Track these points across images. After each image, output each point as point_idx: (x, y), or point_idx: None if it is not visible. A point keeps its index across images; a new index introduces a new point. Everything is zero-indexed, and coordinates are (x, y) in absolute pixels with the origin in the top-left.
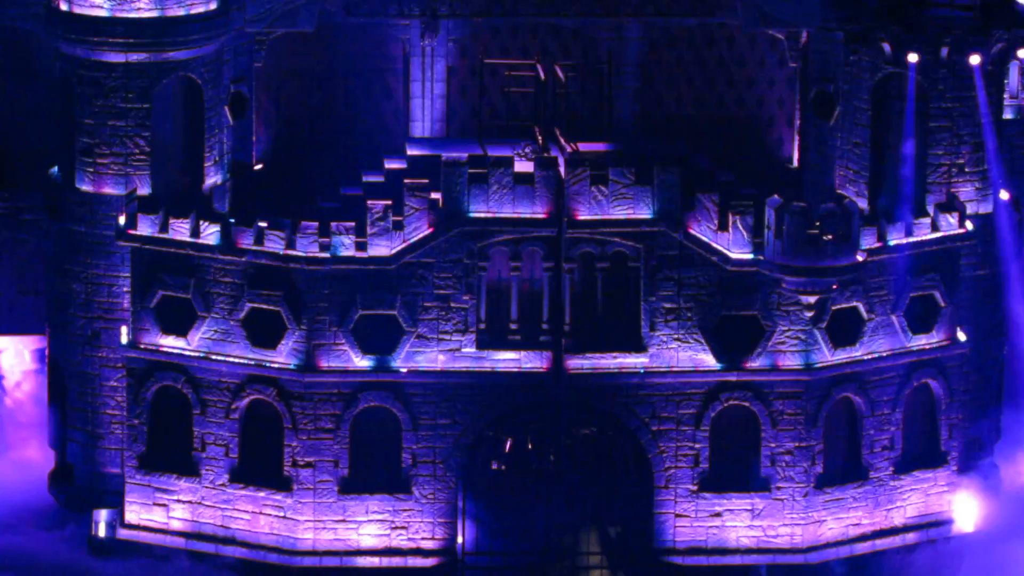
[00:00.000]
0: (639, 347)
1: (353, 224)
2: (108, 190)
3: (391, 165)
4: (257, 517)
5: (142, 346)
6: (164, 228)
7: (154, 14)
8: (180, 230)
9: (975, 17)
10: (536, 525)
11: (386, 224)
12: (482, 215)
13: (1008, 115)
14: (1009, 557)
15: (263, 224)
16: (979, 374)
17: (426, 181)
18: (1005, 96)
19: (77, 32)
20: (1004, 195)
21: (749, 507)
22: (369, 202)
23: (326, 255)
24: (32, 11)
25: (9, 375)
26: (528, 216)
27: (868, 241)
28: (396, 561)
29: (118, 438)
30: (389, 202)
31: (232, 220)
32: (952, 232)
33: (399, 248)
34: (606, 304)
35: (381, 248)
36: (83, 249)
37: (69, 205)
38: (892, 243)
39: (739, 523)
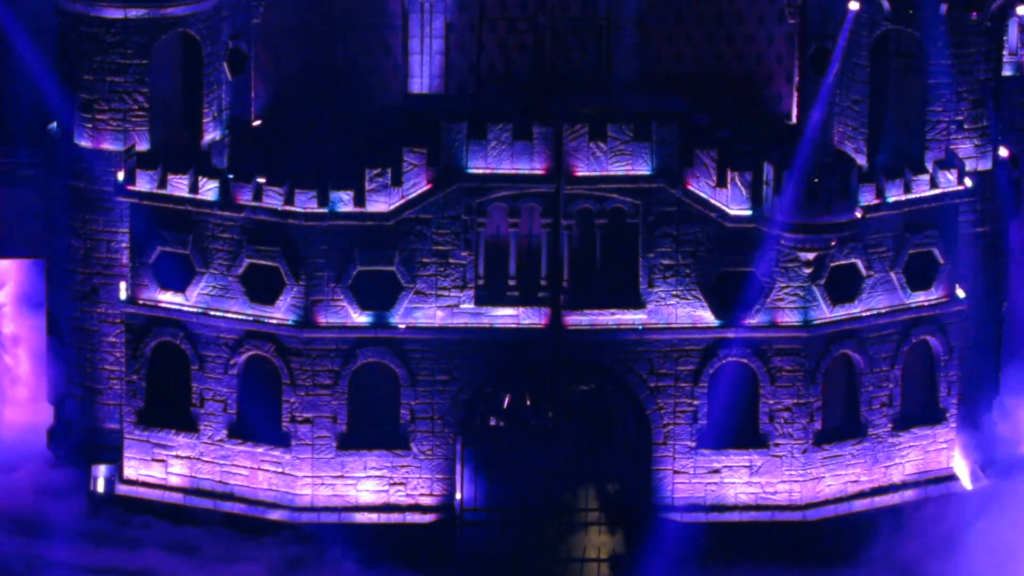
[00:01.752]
0: (637, 303)
1: (352, 193)
2: (107, 146)
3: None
4: (255, 473)
5: (141, 302)
6: (163, 184)
7: None
8: (179, 186)
9: None
10: (534, 481)
11: (384, 180)
12: (480, 171)
13: (1007, 71)
14: (1006, 513)
15: (261, 180)
16: (978, 331)
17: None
18: (1004, 53)
19: None
20: (1003, 152)
21: (748, 464)
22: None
23: (324, 211)
24: None
25: (8, 330)
26: (527, 172)
27: (867, 198)
28: (394, 517)
29: (117, 394)
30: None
31: (231, 176)
32: (951, 189)
33: (397, 204)
34: (604, 260)
35: (379, 204)
36: (82, 205)
37: (68, 161)
38: (891, 200)
39: (737, 480)
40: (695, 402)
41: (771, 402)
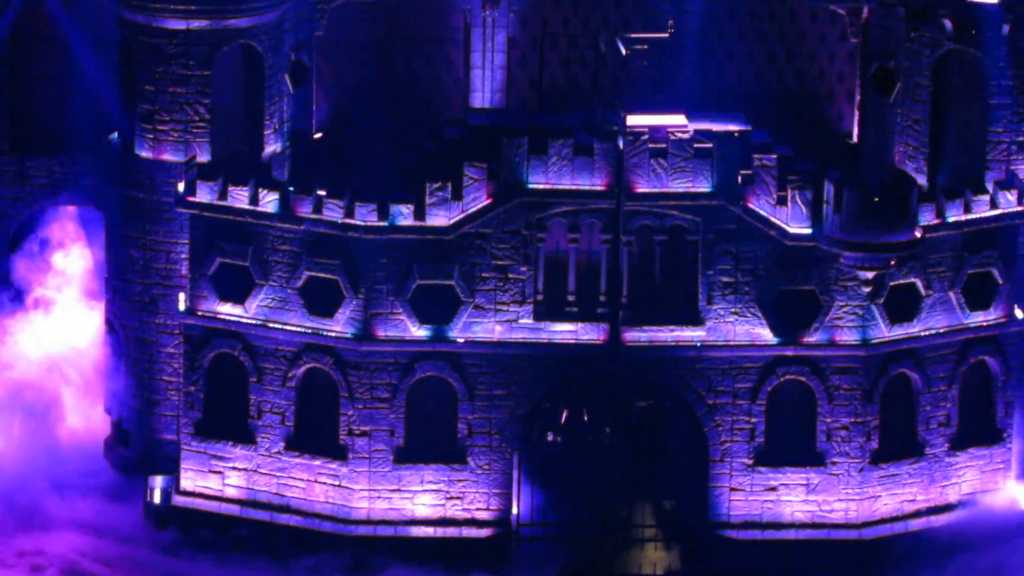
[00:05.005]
0: (696, 320)
1: (412, 207)
2: (168, 157)
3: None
4: (312, 485)
5: (200, 313)
6: (223, 195)
7: None
8: (239, 197)
9: None
10: (591, 497)
11: (445, 194)
12: (541, 186)
13: None
14: None
15: (322, 192)
16: None
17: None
18: None
19: None
20: None
21: (804, 482)
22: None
23: (384, 224)
24: None
25: (69, 339)
26: (587, 188)
27: (927, 217)
28: (450, 531)
29: (174, 405)
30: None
31: (291, 188)
32: (1011, 209)
33: (457, 218)
34: (664, 277)
35: (439, 218)
36: (142, 215)
37: (129, 171)
38: (951, 219)
39: (794, 498)
40: (752, 419)
41: (828, 420)
